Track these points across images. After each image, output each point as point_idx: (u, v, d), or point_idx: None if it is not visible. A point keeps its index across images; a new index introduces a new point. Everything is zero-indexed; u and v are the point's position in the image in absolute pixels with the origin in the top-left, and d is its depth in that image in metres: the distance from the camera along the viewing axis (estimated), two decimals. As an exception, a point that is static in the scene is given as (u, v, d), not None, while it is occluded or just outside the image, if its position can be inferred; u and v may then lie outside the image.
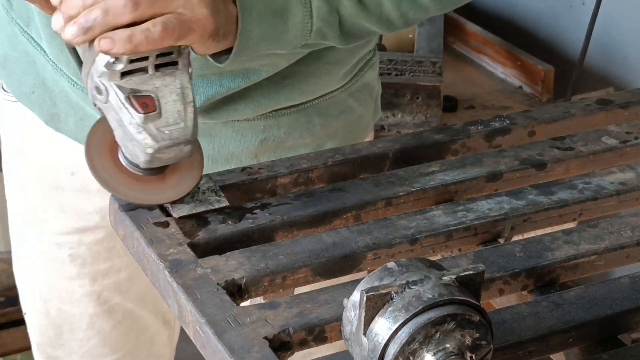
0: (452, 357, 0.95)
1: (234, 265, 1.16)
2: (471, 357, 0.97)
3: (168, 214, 1.24)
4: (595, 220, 1.28)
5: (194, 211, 1.24)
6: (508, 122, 1.47)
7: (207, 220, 1.23)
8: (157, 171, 1.23)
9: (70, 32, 1.15)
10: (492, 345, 0.98)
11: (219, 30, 1.20)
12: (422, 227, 1.24)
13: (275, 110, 1.46)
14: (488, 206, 1.28)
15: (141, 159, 1.19)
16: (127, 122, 1.17)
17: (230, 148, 1.46)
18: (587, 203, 1.31)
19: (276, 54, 1.34)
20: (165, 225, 1.22)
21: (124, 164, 1.23)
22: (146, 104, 1.16)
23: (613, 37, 2.54)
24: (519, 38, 2.72)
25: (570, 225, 1.31)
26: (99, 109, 1.20)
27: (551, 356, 1.12)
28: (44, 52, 1.46)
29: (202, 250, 1.19)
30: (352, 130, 1.56)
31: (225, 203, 1.26)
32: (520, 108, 2.38)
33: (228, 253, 1.18)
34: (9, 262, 3.35)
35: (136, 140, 1.17)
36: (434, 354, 0.95)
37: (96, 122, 1.24)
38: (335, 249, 1.20)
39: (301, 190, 1.33)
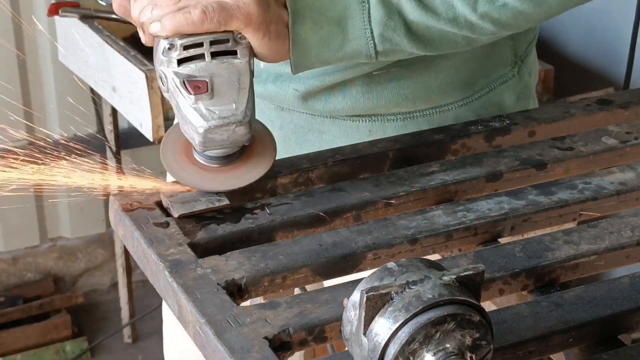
0: (452, 357, 0.95)
1: (234, 265, 1.16)
2: (471, 357, 0.97)
3: (168, 214, 1.24)
4: (595, 220, 1.28)
5: (194, 210, 1.24)
6: (508, 122, 1.46)
7: (207, 220, 1.23)
8: (227, 161, 1.26)
9: (140, 33, 1.25)
10: (492, 346, 0.98)
11: (269, 26, 1.23)
12: (422, 227, 1.24)
13: (381, 115, 1.46)
14: (488, 206, 1.28)
15: (196, 141, 1.22)
16: (182, 105, 1.22)
17: (337, 146, 1.46)
18: (587, 203, 1.30)
19: None
20: (165, 225, 1.22)
21: (196, 158, 1.27)
22: (198, 87, 1.21)
23: (613, 37, 2.54)
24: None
25: (570, 225, 1.31)
26: (168, 99, 1.25)
27: (551, 356, 1.12)
28: None
29: (202, 250, 1.19)
30: None
31: (225, 202, 1.26)
32: (520, 108, 2.38)
33: (228, 253, 1.18)
34: (9, 262, 3.36)
35: (190, 122, 1.21)
36: (434, 354, 0.95)
37: (174, 124, 1.30)
38: (335, 249, 1.20)
39: (301, 190, 1.33)
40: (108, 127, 3.00)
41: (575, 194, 1.31)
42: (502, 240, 1.27)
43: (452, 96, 1.47)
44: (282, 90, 1.44)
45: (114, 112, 2.95)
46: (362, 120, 1.46)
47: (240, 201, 1.29)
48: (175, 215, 1.24)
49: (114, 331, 3.22)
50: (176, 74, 1.22)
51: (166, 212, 1.25)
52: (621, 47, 2.53)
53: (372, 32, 1.28)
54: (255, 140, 1.27)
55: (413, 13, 1.28)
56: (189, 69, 1.22)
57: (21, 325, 3.14)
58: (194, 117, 1.21)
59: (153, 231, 1.21)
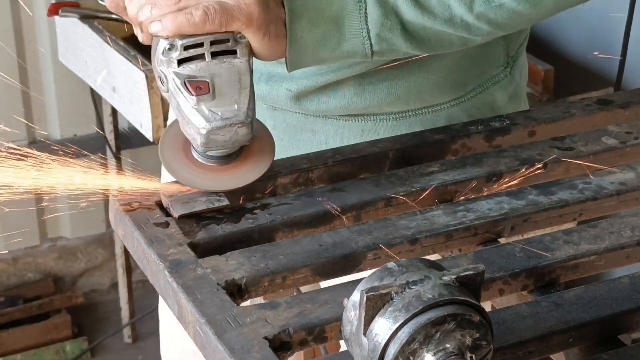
0: (452, 357, 0.95)
1: (234, 265, 1.16)
2: (471, 357, 0.97)
3: (168, 214, 1.24)
4: (595, 220, 1.28)
5: (194, 210, 1.24)
6: (508, 122, 1.46)
7: (207, 220, 1.23)
8: (226, 160, 1.26)
9: (136, 31, 1.25)
10: (492, 346, 0.98)
11: (269, 26, 1.23)
12: (422, 227, 1.24)
13: (373, 115, 1.46)
14: (488, 206, 1.28)
15: (198, 142, 1.22)
16: (183, 106, 1.21)
17: (329, 147, 1.46)
18: (587, 203, 1.30)
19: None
20: (165, 225, 1.22)
21: (195, 156, 1.27)
22: (200, 87, 1.21)
23: (613, 37, 2.54)
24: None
25: (570, 225, 1.31)
26: (167, 99, 1.25)
27: (551, 356, 1.12)
28: None
29: (202, 250, 1.19)
30: None
31: (225, 202, 1.26)
32: (520, 108, 2.38)
33: (228, 253, 1.18)
34: (9, 262, 3.36)
35: (191, 122, 1.21)
36: (434, 354, 0.95)
37: (172, 122, 1.29)
38: (335, 249, 1.20)
39: (301, 190, 1.33)
40: (108, 127, 3.00)
41: (576, 194, 1.31)
42: (502, 241, 1.27)
43: (445, 96, 1.47)
44: (275, 90, 1.44)
45: (114, 112, 2.95)
46: (355, 120, 1.46)
47: (240, 201, 1.29)
48: (175, 215, 1.24)
49: (114, 331, 3.22)
50: (177, 74, 1.21)
51: (166, 212, 1.25)
52: (620, 46, 2.53)
53: (368, 32, 1.28)
54: (254, 139, 1.27)
55: (409, 13, 1.28)
56: (189, 69, 1.22)
57: (21, 325, 3.14)
58: (196, 118, 1.21)
59: (153, 231, 1.21)
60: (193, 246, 1.19)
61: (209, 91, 1.21)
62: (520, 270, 1.18)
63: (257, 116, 1.45)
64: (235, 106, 1.21)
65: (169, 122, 1.37)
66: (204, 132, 1.21)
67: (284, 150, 1.48)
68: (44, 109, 3.11)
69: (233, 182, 1.27)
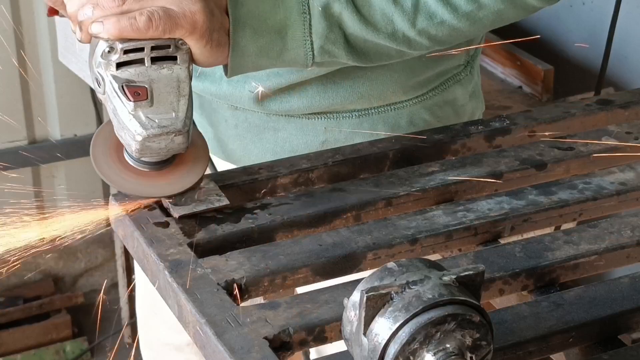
0: (453, 357, 0.95)
1: (234, 265, 1.16)
2: (471, 357, 0.97)
3: (168, 214, 1.24)
4: (595, 220, 1.28)
5: (194, 210, 1.24)
6: (508, 122, 1.46)
7: (207, 220, 1.23)
8: (159, 166, 1.24)
9: (74, 29, 1.23)
10: (492, 346, 0.98)
11: (212, 34, 1.22)
12: (422, 227, 1.24)
13: (336, 112, 1.46)
14: (488, 206, 1.28)
15: (133, 148, 1.20)
16: (120, 110, 1.19)
17: (292, 145, 1.47)
18: (587, 203, 1.30)
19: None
20: (166, 225, 1.22)
21: (128, 160, 1.24)
22: (138, 93, 1.19)
23: (614, 37, 2.54)
24: (519, 38, 2.71)
25: (570, 225, 1.31)
26: (102, 101, 1.23)
27: (551, 356, 1.12)
28: None
29: (202, 250, 1.19)
30: None
31: (225, 202, 1.26)
32: (520, 108, 2.38)
33: (228, 253, 1.18)
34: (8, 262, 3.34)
35: (127, 128, 1.19)
36: (434, 354, 0.95)
37: (104, 124, 1.27)
38: (335, 249, 1.20)
39: (301, 190, 1.32)
40: (108, 127, 2.99)
41: (576, 194, 1.31)
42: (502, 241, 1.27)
43: (407, 94, 1.48)
44: (237, 90, 1.44)
45: (114, 112, 2.95)
46: (318, 118, 1.46)
47: (240, 201, 1.29)
48: (175, 215, 1.24)
49: (114, 331, 3.22)
50: (114, 77, 1.19)
51: (166, 212, 1.25)
52: (622, 47, 2.53)
53: (312, 44, 1.28)
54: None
55: (353, 26, 1.29)
56: (127, 73, 1.19)
57: (21, 326, 3.14)
58: (132, 124, 1.19)
59: (153, 231, 1.21)
60: (193, 246, 1.19)
61: (147, 97, 1.19)
62: (521, 270, 1.18)
63: (219, 115, 1.44)
64: (173, 114, 1.19)
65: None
66: (139, 138, 1.19)
67: (246, 148, 1.48)
68: (44, 109, 3.11)
69: (166, 188, 1.25)
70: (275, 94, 1.43)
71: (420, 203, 1.31)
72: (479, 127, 1.45)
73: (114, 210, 1.26)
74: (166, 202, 1.25)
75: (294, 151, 1.47)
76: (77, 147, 3.14)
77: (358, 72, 1.42)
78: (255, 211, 1.26)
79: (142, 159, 1.23)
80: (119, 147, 1.25)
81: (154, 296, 1.69)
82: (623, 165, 1.38)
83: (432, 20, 1.30)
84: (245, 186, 1.31)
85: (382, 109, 1.47)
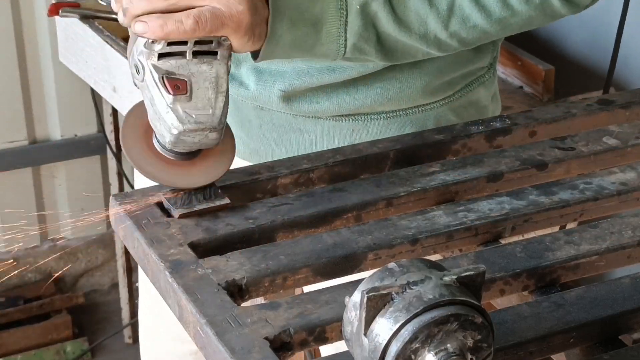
0: (454, 357, 0.95)
1: (234, 265, 1.16)
2: (472, 358, 0.97)
3: (169, 214, 1.24)
4: (596, 220, 1.28)
5: (194, 210, 1.24)
6: (509, 122, 1.46)
7: (207, 220, 1.23)
8: (187, 156, 1.25)
9: (119, 15, 1.20)
10: (492, 348, 0.98)
11: (255, 29, 1.22)
12: (422, 227, 1.24)
13: (365, 114, 1.46)
14: (489, 206, 1.28)
15: (167, 140, 1.21)
16: (157, 101, 1.20)
17: (317, 147, 1.46)
18: (588, 203, 1.30)
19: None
20: (166, 225, 1.22)
21: (156, 147, 1.25)
22: (178, 86, 1.19)
23: (614, 37, 2.53)
24: (519, 38, 2.72)
25: (571, 225, 1.31)
26: (138, 88, 1.23)
27: (552, 356, 1.12)
28: None
29: (203, 250, 1.19)
30: None
31: (226, 201, 1.26)
32: (520, 108, 2.38)
33: (229, 253, 1.18)
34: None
35: (164, 120, 1.20)
36: (435, 354, 0.95)
37: (135, 105, 1.27)
38: (335, 249, 1.19)
39: (302, 190, 1.32)
40: (108, 127, 3.00)
41: (576, 194, 1.31)
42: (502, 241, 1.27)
43: (435, 96, 1.48)
44: (266, 90, 1.43)
45: (115, 112, 2.95)
46: (346, 120, 1.46)
47: (241, 201, 1.28)
48: (176, 215, 1.24)
49: (115, 332, 3.22)
50: (155, 67, 1.20)
51: (166, 212, 1.25)
52: (622, 47, 2.53)
53: (345, 41, 1.29)
54: None
55: (387, 26, 1.29)
56: (168, 64, 1.20)
57: (22, 326, 3.14)
58: (169, 116, 1.20)
59: (153, 231, 1.21)
60: (193, 246, 1.19)
61: (186, 91, 1.20)
62: (521, 270, 1.18)
63: (243, 115, 1.44)
64: (210, 110, 1.20)
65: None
66: (175, 132, 1.20)
67: (270, 149, 1.48)
68: (44, 109, 3.11)
69: (194, 179, 1.26)
70: (304, 94, 1.43)
71: (420, 203, 1.31)
72: (480, 127, 1.45)
73: (114, 211, 1.26)
74: (166, 202, 1.25)
75: None
76: (77, 147, 3.14)
77: (390, 74, 1.42)
78: (256, 211, 1.26)
79: (174, 150, 1.24)
80: (148, 131, 1.25)
81: (160, 304, 1.71)
82: (624, 165, 1.38)
83: (465, 24, 1.31)
84: (245, 186, 1.31)
85: (410, 111, 1.47)
